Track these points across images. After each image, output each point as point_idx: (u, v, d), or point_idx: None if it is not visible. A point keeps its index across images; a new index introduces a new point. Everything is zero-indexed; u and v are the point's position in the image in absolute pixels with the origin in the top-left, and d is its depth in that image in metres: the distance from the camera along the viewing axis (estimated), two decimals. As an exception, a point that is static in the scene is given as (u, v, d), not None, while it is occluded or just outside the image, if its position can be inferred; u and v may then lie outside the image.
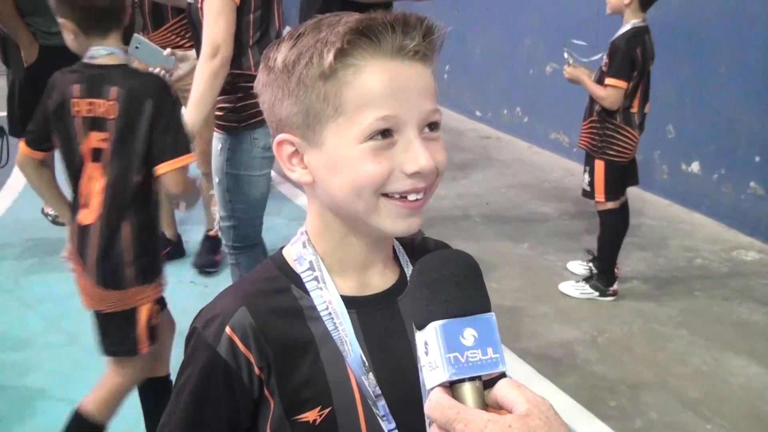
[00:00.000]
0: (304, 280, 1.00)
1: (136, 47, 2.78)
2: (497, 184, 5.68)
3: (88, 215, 2.24)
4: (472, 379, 0.76)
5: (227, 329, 0.96)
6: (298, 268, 1.01)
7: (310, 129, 0.94)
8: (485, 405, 0.77)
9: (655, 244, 4.57)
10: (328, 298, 0.99)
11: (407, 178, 0.93)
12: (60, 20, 2.20)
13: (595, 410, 2.98)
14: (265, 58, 0.98)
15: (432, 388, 0.78)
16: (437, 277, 0.80)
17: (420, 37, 0.92)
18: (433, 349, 0.77)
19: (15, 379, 3.08)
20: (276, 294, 1.00)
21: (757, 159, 4.65)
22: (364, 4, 2.92)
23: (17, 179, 5.39)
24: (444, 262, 0.82)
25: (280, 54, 0.95)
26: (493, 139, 6.93)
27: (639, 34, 3.59)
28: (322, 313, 0.99)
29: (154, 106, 2.18)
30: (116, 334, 2.35)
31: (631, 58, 3.57)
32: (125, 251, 2.25)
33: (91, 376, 3.10)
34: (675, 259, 4.40)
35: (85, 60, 2.23)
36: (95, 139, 2.20)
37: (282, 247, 1.06)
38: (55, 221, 4.65)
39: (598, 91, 3.64)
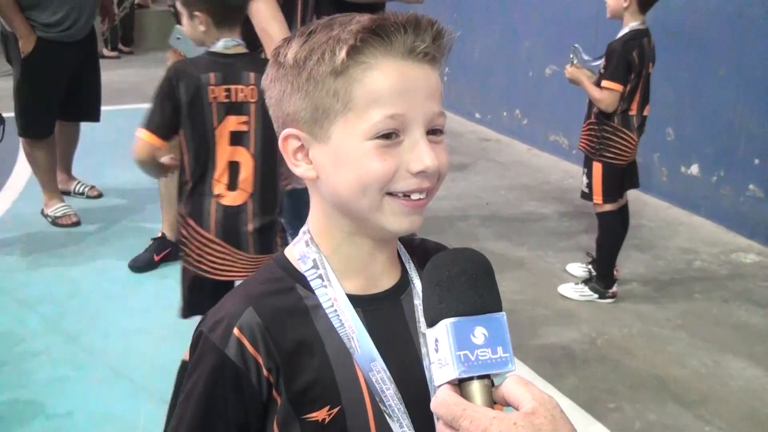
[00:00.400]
0: (309, 279, 1.00)
1: (178, 38, 2.81)
2: (497, 185, 5.69)
3: (239, 196, 2.41)
4: (481, 377, 0.77)
5: (235, 331, 0.96)
6: (302, 267, 1.01)
7: (318, 124, 0.95)
8: (493, 403, 0.77)
9: (654, 247, 4.58)
10: (333, 296, 0.99)
11: (412, 177, 0.94)
12: (195, 13, 2.38)
13: (594, 412, 2.98)
14: (275, 54, 0.99)
15: (440, 385, 0.78)
16: (450, 275, 0.81)
17: (430, 40, 0.93)
18: (444, 347, 0.77)
19: (14, 379, 3.07)
20: (281, 294, 1.00)
21: (756, 161, 4.66)
22: (357, 5, 2.92)
23: (17, 179, 5.38)
24: (457, 260, 0.83)
25: (291, 50, 0.96)
26: (492, 141, 6.94)
27: (637, 37, 3.59)
28: (327, 311, 0.99)
29: None
30: None
31: (627, 61, 3.57)
32: (277, 223, 2.51)
33: (90, 376, 3.11)
34: (674, 262, 4.40)
35: (213, 50, 2.40)
36: (234, 123, 2.36)
37: (284, 248, 1.07)
38: (54, 222, 4.63)
39: (595, 93, 3.65)
